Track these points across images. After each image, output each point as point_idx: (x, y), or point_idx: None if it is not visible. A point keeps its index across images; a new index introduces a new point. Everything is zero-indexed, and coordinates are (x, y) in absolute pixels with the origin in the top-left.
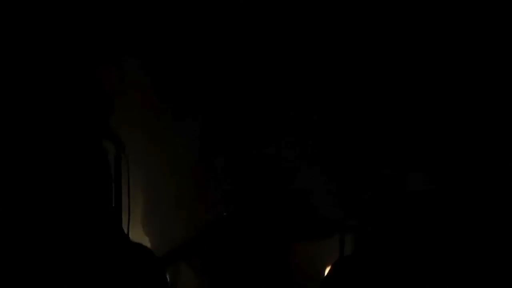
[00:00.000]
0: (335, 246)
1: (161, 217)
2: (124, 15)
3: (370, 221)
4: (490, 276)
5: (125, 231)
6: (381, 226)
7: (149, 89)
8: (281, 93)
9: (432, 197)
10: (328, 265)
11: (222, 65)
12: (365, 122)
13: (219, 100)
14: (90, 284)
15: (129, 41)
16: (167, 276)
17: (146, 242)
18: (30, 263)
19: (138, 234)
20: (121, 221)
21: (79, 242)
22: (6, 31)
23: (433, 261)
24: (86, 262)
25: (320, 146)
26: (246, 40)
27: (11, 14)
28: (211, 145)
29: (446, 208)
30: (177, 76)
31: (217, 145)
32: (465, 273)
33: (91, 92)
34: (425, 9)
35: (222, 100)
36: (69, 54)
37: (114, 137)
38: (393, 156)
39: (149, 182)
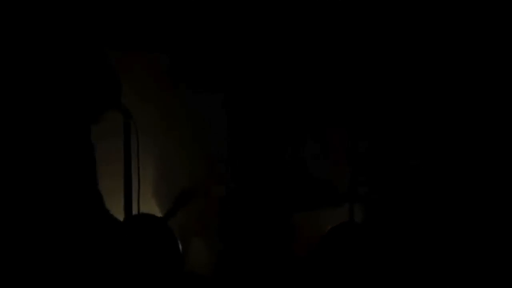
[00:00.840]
0: (345, 214)
1: (171, 189)
2: None
3: (379, 190)
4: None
5: (136, 201)
6: (389, 196)
7: (163, 63)
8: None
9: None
10: None
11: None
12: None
13: (239, 77)
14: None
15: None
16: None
17: (156, 213)
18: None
19: (148, 205)
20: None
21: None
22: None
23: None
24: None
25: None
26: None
27: None
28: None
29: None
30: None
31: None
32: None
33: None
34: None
35: (241, 77)
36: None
37: (121, 106)
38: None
39: (161, 153)
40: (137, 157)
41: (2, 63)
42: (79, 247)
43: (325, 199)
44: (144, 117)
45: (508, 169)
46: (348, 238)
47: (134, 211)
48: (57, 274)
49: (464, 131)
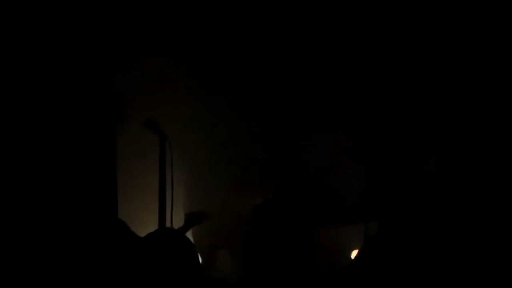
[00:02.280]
0: (360, 231)
1: (202, 204)
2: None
3: (392, 207)
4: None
5: (168, 219)
6: (402, 211)
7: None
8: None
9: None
10: (353, 249)
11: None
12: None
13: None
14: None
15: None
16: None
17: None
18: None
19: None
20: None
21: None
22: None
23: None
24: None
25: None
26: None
27: None
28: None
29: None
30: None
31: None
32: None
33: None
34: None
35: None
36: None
37: (157, 128)
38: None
39: (193, 175)
40: (171, 173)
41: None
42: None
43: (341, 217)
44: (176, 134)
45: None
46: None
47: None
48: None
49: (474, 135)
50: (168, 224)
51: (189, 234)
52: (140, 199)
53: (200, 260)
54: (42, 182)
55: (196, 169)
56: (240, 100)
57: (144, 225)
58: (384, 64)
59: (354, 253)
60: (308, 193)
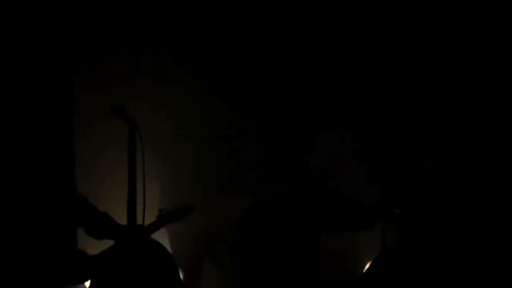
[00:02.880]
0: (375, 236)
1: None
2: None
3: (412, 210)
4: None
5: (141, 214)
6: (423, 216)
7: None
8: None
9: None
10: (368, 256)
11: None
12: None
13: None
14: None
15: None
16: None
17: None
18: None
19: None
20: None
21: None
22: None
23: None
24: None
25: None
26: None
27: None
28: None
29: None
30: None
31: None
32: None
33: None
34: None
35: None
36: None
37: (126, 115)
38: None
39: (167, 163)
40: (143, 167)
41: None
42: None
43: (356, 220)
44: (150, 125)
45: None
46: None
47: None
48: None
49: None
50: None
51: (166, 243)
52: (109, 196)
53: (181, 276)
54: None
55: (173, 163)
56: (229, 94)
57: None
58: (387, 65)
59: (368, 263)
60: (309, 192)
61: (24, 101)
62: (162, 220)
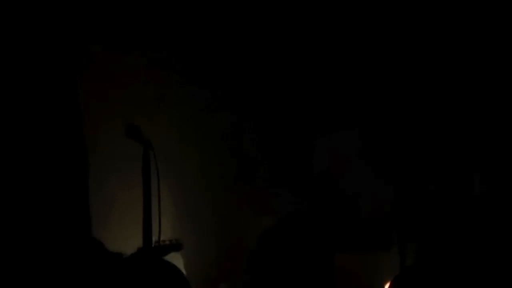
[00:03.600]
0: (394, 255)
1: (193, 225)
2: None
3: (431, 230)
4: None
5: (156, 237)
6: (443, 235)
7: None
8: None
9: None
10: (387, 276)
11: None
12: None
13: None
14: None
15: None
16: None
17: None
18: None
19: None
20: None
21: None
22: None
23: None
24: None
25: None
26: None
27: None
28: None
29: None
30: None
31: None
32: None
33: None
34: None
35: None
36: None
37: (140, 135)
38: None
39: (179, 182)
40: (158, 189)
41: None
42: None
43: (373, 241)
44: (161, 143)
45: None
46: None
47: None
48: None
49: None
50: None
51: (181, 266)
52: (121, 218)
53: None
54: (12, 197)
55: (186, 182)
56: (237, 108)
57: (129, 242)
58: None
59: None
60: (324, 213)
61: (32, 112)
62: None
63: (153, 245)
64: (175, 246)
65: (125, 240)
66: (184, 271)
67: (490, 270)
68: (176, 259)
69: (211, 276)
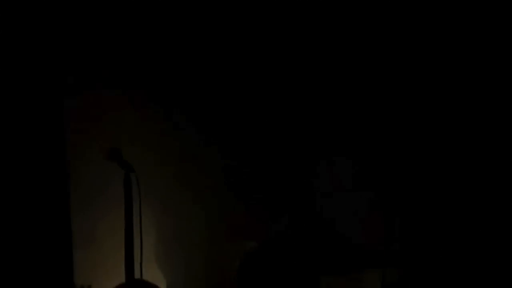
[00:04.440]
0: (376, 279)
1: (179, 251)
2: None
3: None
4: None
5: (138, 267)
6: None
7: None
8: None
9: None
10: None
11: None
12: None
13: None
14: None
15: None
16: None
17: (160, 281)
18: None
19: (152, 272)
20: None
21: None
22: None
23: None
24: None
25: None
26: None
27: None
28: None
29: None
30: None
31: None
32: None
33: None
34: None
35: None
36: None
37: (121, 159)
38: None
39: (165, 209)
40: (140, 211)
41: None
42: None
43: (357, 262)
44: (144, 166)
45: None
46: None
47: (136, 275)
48: None
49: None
50: (137, 275)
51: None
52: (103, 245)
53: None
54: None
55: (170, 204)
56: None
57: (109, 276)
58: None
59: None
60: (307, 236)
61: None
62: None
63: None
64: None
65: (106, 262)
66: None
67: None
68: (159, 282)
69: None
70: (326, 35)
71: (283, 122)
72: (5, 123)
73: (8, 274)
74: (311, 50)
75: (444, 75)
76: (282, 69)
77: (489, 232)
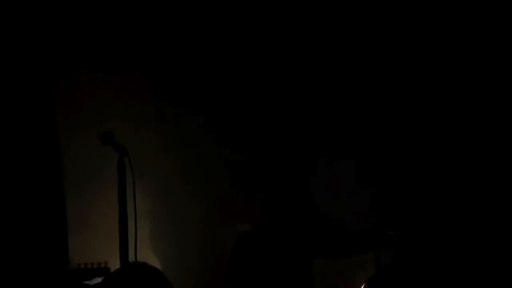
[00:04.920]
0: (370, 261)
1: (173, 233)
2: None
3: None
4: None
5: (133, 249)
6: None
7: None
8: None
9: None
10: (362, 282)
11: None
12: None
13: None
14: None
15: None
16: None
17: (155, 262)
18: None
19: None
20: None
21: None
22: None
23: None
24: None
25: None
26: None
27: None
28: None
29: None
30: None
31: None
32: None
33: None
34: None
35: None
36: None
37: (114, 141)
38: None
39: (160, 193)
40: (133, 193)
41: None
42: None
43: (349, 246)
44: (140, 149)
45: None
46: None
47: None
48: None
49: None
50: (131, 258)
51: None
52: (97, 228)
53: None
54: None
55: (164, 186)
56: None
57: (104, 257)
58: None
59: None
60: (301, 220)
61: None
62: None
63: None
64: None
65: (101, 245)
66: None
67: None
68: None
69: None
70: (325, 34)
71: (284, 118)
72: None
73: (5, 257)
74: (310, 49)
75: (441, 73)
76: (284, 65)
77: (482, 221)
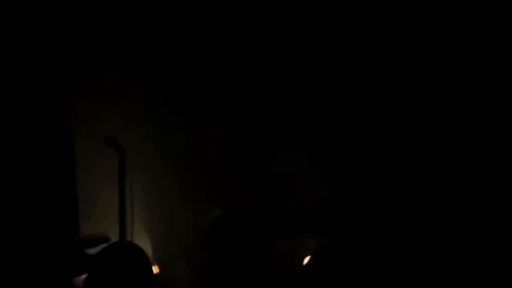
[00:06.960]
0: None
1: (165, 219)
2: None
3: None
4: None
5: (130, 235)
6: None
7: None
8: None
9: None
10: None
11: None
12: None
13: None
14: None
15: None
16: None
17: (150, 246)
18: None
19: (142, 239)
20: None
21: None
22: None
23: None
24: None
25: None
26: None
27: None
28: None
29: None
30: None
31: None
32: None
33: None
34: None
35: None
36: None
37: (116, 144)
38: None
39: (153, 184)
40: (130, 187)
41: None
42: None
43: (306, 228)
44: (139, 151)
45: None
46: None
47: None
48: None
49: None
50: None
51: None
52: (103, 214)
53: (155, 271)
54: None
55: (157, 181)
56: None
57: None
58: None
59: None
60: (266, 206)
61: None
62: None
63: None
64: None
65: (106, 230)
66: (151, 253)
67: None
68: (146, 244)
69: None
70: (313, 35)
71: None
72: (14, 103)
73: (17, 239)
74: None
75: (435, 71)
76: (259, 58)
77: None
